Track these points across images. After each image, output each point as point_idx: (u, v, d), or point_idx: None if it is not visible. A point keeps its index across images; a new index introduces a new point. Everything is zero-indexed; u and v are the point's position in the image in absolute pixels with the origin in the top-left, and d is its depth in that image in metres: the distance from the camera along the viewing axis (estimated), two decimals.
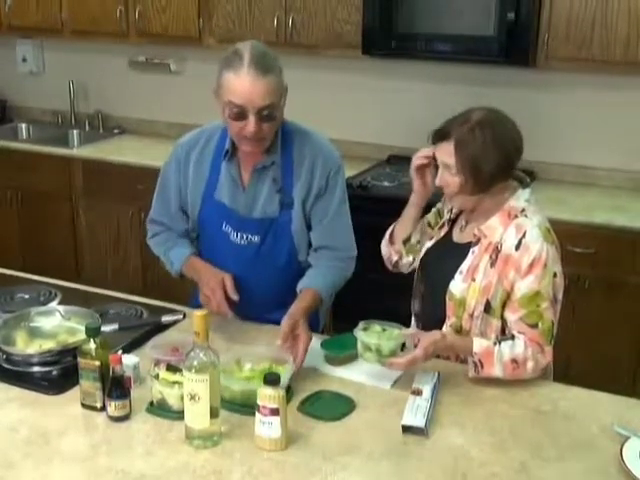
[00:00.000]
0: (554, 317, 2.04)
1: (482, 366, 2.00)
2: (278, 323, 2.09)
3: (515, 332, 2.02)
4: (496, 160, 1.99)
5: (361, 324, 2.07)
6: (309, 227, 2.34)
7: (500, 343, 2.00)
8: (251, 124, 2.11)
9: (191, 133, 2.41)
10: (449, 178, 2.05)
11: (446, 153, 2.03)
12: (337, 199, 2.33)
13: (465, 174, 2.00)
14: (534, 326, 2.01)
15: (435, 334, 2.04)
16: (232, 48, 2.16)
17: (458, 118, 2.04)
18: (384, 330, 2.05)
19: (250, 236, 2.31)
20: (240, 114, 2.11)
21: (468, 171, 2.00)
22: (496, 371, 2.00)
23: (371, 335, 2.03)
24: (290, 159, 2.28)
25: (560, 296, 2.06)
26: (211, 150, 2.33)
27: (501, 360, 1.99)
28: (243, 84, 2.08)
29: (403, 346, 2.05)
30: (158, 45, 4.53)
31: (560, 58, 3.56)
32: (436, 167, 2.13)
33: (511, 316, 2.03)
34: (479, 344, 2.00)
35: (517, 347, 2.00)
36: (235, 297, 2.19)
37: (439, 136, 2.05)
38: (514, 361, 1.99)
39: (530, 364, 2.01)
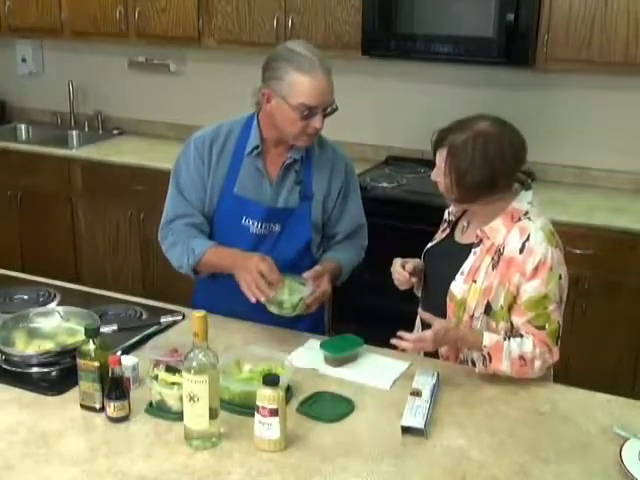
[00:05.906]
0: (560, 318, 2.05)
1: (490, 360, 2.01)
2: (280, 323, 2.15)
3: (523, 333, 2.03)
4: (480, 177, 1.99)
5: None
6: (324, 222, 2.40)
7: (509, 339, 2.02)
8: (318, 121, 2.19)
9: (208, 128, 2.39)
10: (440, 179, 2.06)
11: (440, 157, 2.05)
12: (356, 194, 2.45)
13: (450, 182, 2.02)
14: (542, 328, 2.02)
15: (449, 321, 2.07)
16: (282, 48, 2.20)
17: (462, 123, 2.04)
18: (289, 281, 2.16)
19: (272, 225, 2.34)
20: (310, 114, 2.16)
21: (453, 180, 2.02)
22: (504, 367, 2.01)
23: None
24: (311, 154, 2.35)
25: (565, 297, 2.08)
26: (231, 146, 2.34)
27: (510, 356, 2.00)
28: (319, 86, 2.14)
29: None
30: (158, 46, 4.52)
31: (559, 59, 3.56)
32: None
33: (518, 319, 2.04)
34: (489, 338, 2.02)
35: (525, 345, 2.01)
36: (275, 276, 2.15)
37: (438, 138, 2.06)
38: (522, 358, 2.00)
39: (538, 363, 2.01)
